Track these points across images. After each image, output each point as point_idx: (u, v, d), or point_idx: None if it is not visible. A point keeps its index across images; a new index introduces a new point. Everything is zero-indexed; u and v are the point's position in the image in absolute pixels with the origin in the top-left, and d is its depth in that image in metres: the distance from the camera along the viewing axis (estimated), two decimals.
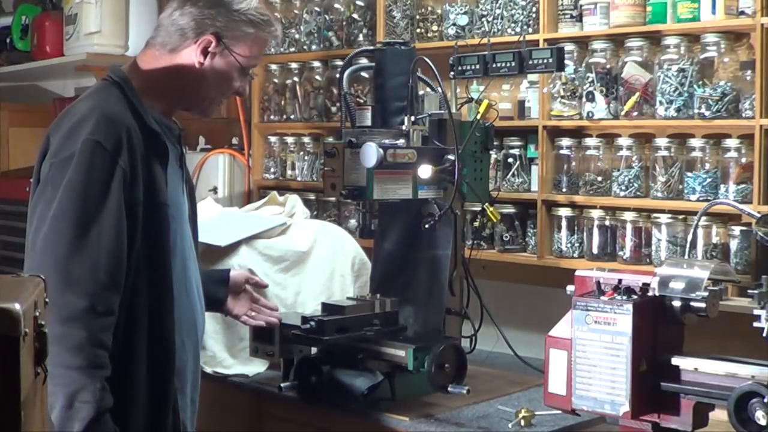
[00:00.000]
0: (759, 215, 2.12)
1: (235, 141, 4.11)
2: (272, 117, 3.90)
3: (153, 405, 1.99)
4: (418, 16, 3.34)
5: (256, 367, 2.86)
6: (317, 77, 3.71)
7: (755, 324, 1.94)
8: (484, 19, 3.14)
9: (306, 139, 3.77)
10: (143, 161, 1.97)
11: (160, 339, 2.00)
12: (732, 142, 2.67)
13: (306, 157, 3.76)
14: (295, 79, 3.79)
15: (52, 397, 1.75)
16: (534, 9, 3.03)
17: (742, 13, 2.62)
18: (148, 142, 2.00)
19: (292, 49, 3.79)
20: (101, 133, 1.92)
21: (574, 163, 3.00)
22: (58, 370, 1.77)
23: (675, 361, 2.00)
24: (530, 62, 2.62)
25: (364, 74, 3.13)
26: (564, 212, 2.99)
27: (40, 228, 1.90)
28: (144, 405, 1.98)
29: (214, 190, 4.00)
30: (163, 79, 2.09)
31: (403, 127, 2.56)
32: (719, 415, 1.98)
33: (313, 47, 3.69)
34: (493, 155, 3.05)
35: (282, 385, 2.56)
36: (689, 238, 2.41)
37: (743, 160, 2.65)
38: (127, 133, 1.95)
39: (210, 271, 2.54)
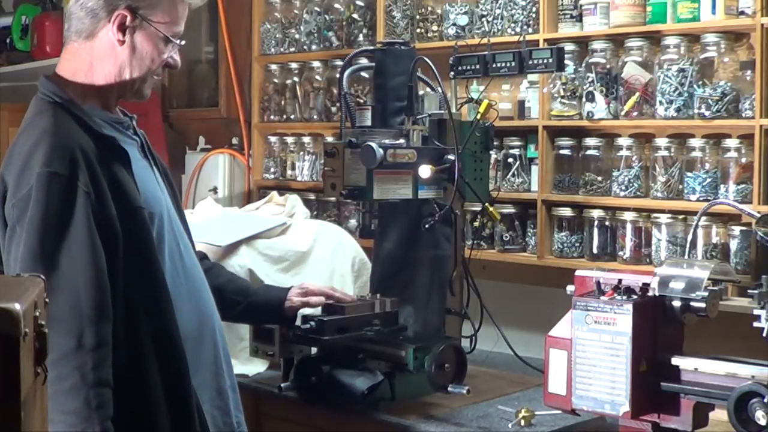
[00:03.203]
0: (759, 215, 2.12)
1: (235, 141, 4.11)
2: (272, 117, 3.90)
3: (174, 410, 1.94)
4: (418, 16, 3.34)
5: (256, 367, 2.86)
6: (317, 77, 3.71)
7: (755, 324, 1.94)
8: (484, 19, 3.14)
9: (306, 139, 3.77)
10: (106, 173, 1.89)
11: (166, 342, 1.94)
12: (732, 142, 2.67)
13: (306, 157, 3.76)
14: (295, 79, 3.79)
15: None
16: (534, 9, 3.03)
17: (742, 13, 2.62)
18: (105, 150, 1.92)
19: (292, 49, 3.79)
20: (54, 161, 1.84)
21: (574, 163, 3.00)
22: (57, 415, 1.72)
23: (675, 361, 2.00)
24: (530, 62, 2.62)
25: (364, 74, 3.13)
26: (564, 212, 2.99)
27: (15, 272, 1.82)
28: (165, 412, 1.92)
29: (214, 190, 4.00)
30: (90, 73, 2.00)
31: (403, 127, 2.56)
32: (719, 415, 1.98)
33: (313, 47, 3.69)
34: (493, 155, 3.05)
35: (282, 385, 2.56)
36: (689, 238, 2.41)
37: (743, 160, 2.65)
38: (81, 151, 1.87)
39: (265, 295, 2.51)
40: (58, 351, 1.75)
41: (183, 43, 2.06)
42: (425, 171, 2.52)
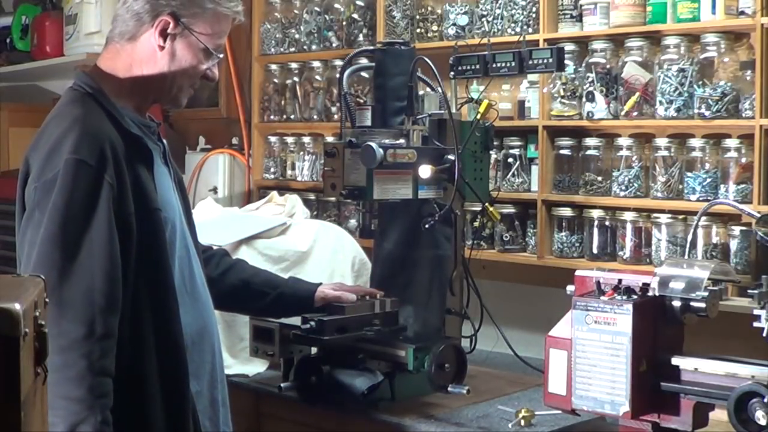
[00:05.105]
0: (759, 215, 2.12)
1: (235, 141, 4.11)
2: (272, 117, 3.90)
3: (171, 413, 1.95)
4: (418, 16, 3.34)
5: (256, 367, 2.86)
6: (317, 77, 3.71)
7: (755, 324, 1.94)
8: (484, 19, 3.14)
9: (306, 139, 3.77)
10: (129, 170, 1.91)
11: (168, 345, 1.95)
12: (732, 142, 2.67)
13: (306, 157, 3.76)
14: (295, 79, 3.79)
15: (52, 428, 1.70)
16: (534, 9, 3.03)
17: (742, 13, 2.62)
18: (131, 148, 1.94)
19: (292, 49, 3.79)
20: (83, 149, 1.85)
21: (574, 163, 3.00)
22: (60, 401, 1.73)
23: (675, 361, 2.00)
24: (530, 62, 2.62)
25: (364, 74, 3.13)
26: (564, 212, 2.99)
27: (31, 255, 1.84)
28: (161, 414, 1.93)
29: (214, 190, 4.00)
30: (128, 73, 2.02)
31: (403, 127, 2.56)
32: (719, 415, 1.98)
33: (313, 47, 3.69)
34: (493, 155, 3.05)
35: (282, 385, 2.56)
36: (689, 238, 2.41)
37: (743, 160, 2.65)
38: (110, 144, 1.89)
39: (294, 287, 2.55)
40: (67, 337, 1.77)
41: (222, 56, 2.09)
42: (425, 171, 2.52)
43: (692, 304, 1.97)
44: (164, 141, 2.15)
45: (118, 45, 2.04)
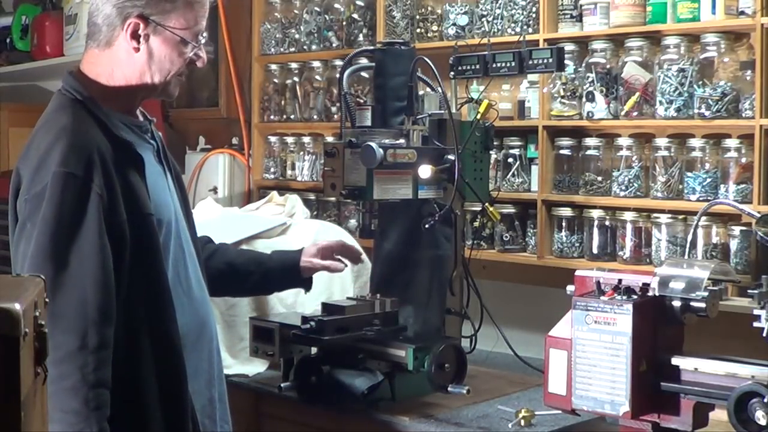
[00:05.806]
0: (759, 215, 2.12)
1: (235, 141, 4.11)
2: (272, 117, 3.90)
3: (169, 415, 1.95)
4: (418, 16, 3.34)
5: (256, 367, 2.86)
6: (317, 77, 3.71)
7: (755, 324, 1.94)
8: (484, 19, 3.14)
9: (306, 139, 3.77)
10: (120, 176, 1.90)
11: (165, 348, 1.95)
12: (732, 142, 2.67)
13: (306, 157, 3.76)
14: (295, 79, 3.79)
15: None
16: (534, 9, 3.03)
17: (742, 13, 2.62)
18: (121, 154, 1.93)
19: (292, 49, 3.79)
20: (71, 161, 1.84)
21: (574, 163, 3.00)
22: (56, 413, 1.73)
23: (675, 361, 2.00)
24: (530, 62, 2.62)
25: (364, 74, 3.13)
26: (564, 212, 2.99)
27: (24, 267, 1.84)
28: (160, 415, 1.93)
29: (214, 190, 4.00)
30: (111, 79, 1.99)
31: (403, 127, 2.56)
32: (719, 415, 1.98)
33: (313, 47, 3.69)
34: (493, 155, 3.05)
35: (282, 385, 2.56)
36: (689, 238, 2.41)
37: (743, 160, 2.65)
38: (98, 152, 1.87)
39: (279, 259, 2.55)
40: (61, 350, 1.76)
41: (204, 41, 2.06)
42: (425, 171, 2.52)
43: (692, 304, 1.97)
44: (158, 137, 2.12)
45: (96, 51, 2.01)
